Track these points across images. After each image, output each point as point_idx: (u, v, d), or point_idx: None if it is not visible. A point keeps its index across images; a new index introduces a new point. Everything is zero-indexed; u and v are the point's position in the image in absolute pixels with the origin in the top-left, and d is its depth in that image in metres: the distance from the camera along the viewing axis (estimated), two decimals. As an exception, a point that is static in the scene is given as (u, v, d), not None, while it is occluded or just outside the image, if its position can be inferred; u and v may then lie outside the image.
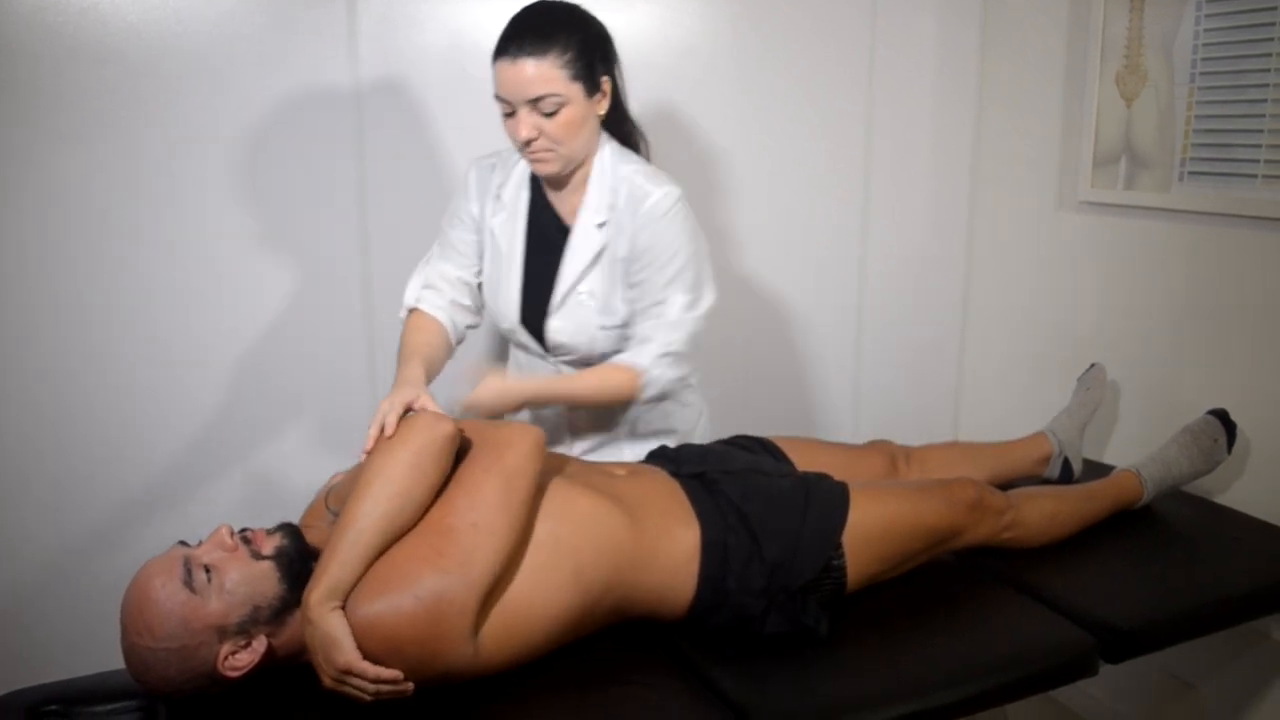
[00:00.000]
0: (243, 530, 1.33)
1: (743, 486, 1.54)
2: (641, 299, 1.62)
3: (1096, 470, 1.95)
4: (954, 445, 2.00)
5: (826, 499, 1.54)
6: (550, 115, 1.52)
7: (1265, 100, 1.82)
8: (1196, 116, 1.94)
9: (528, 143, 1.54)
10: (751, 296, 2.29)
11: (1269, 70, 1.81)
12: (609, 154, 1.64)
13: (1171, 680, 1.99)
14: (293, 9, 1.82)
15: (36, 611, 1.86)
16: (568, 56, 1.51)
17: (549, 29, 1.51)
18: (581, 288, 1.65)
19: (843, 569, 1.51)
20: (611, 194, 1.62)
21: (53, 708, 1.33)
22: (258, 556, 1.29)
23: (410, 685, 1.22)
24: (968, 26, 2.34)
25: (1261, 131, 1.83)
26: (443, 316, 1.68)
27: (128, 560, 1.39)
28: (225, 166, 1.84)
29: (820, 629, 1.45)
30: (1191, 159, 1.95)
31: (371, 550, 1.24)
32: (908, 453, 1.90)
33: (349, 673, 1.19)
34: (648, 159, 1.71)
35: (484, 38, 1.94)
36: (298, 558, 1.30)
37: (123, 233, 1.80)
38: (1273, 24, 1.79)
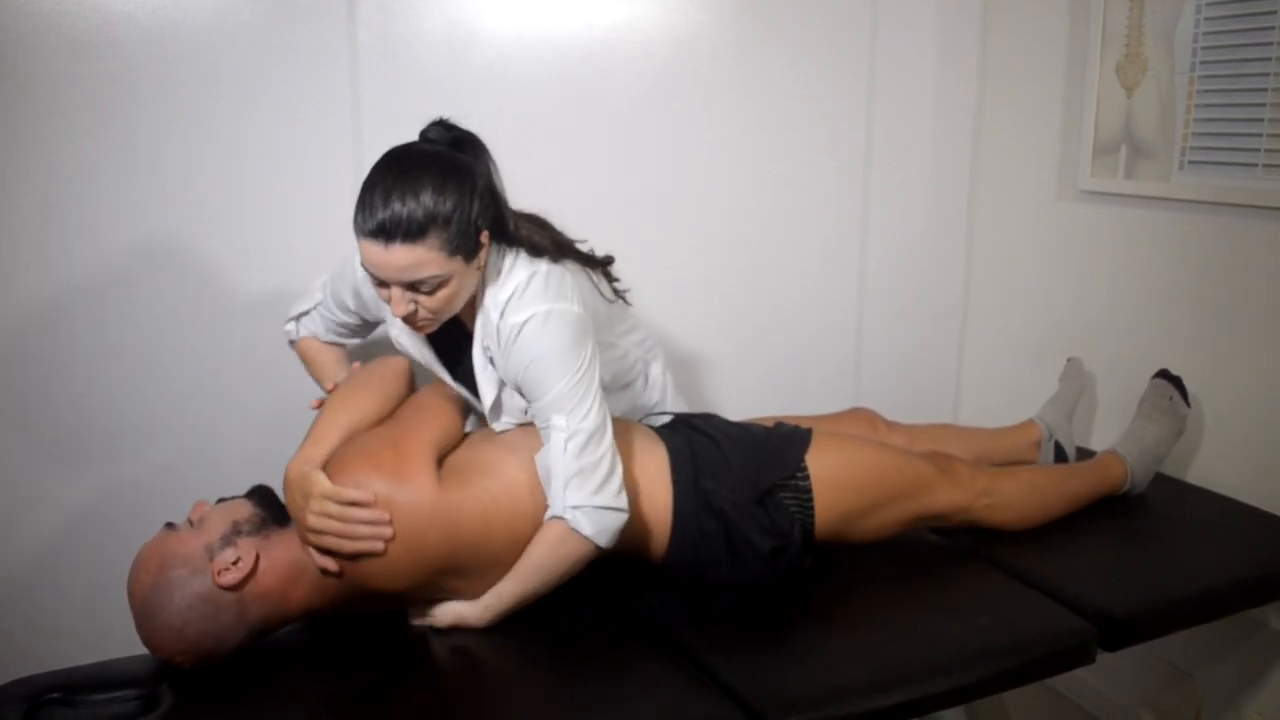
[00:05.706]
0: (218, 500, 1.48)
1: (703, 418, 1.70)
2: (532, 409, 1.48)
3: (1088, 458, 1.95)
4: (943, 424, 2.09)
5: (790, 430, 1.67)
6: (430, 293, 1.39)
7: (1266, 89, 1.81)
8: (1197, 105, 1.93)
9: (404, 316, 1.41)
10: (749, 287, 2.28)
11: (1270, 59, 1.80)
12: (483, 279, 1.48)
13: (1169, 668, 1.99)
14: (292, -4, 1.82)
15: (37, 600, 1.86)
16: (445, 235, 1.35)
17: (421, 202, 1.33)
18: (504, 397, 1.54)
19: (809, 491, 1.58)
20: (489, 321, 1.48)
21: (54, 696, 1.33)
22: (231, 500, 1.47)
23: (386, 517, 1.36)
24: (969, 15, 2.34)
25: (1262, 120, 1.82)
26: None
27: (129, 548, 1.40)
28: (223, 156, 1.83)
29: (795, 535, 1.55)
30: (1192, 148, 1.95)
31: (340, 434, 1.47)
32: (889, 421, 1.96)
33: (326, 498, 1.35)
34: (543, 245, 1.52)
35: (483, 24, 1.96)
36: (269, 492, 1.48)
37: (122, 224, 1.80)
38: (1273, 13, 1.79)
